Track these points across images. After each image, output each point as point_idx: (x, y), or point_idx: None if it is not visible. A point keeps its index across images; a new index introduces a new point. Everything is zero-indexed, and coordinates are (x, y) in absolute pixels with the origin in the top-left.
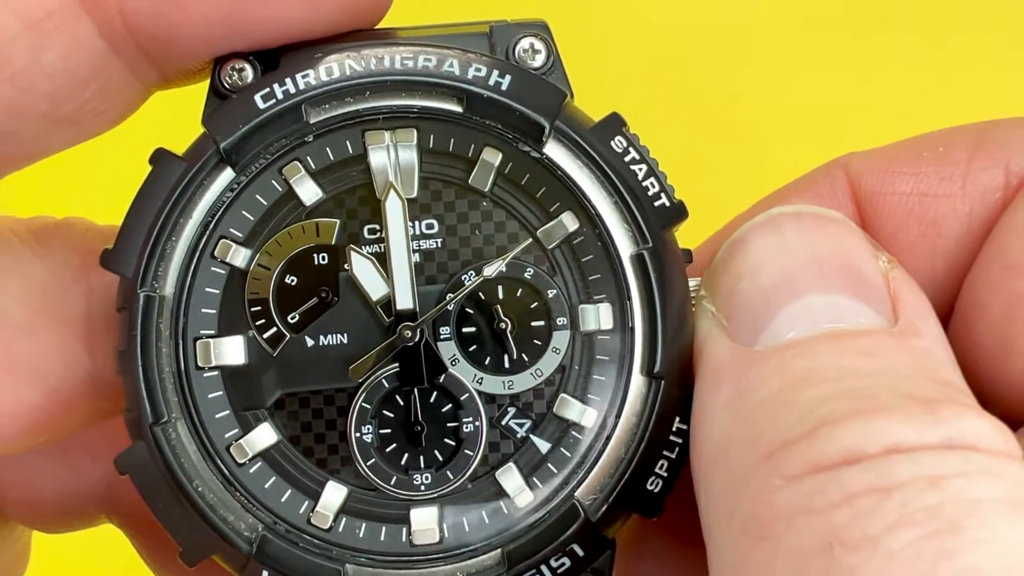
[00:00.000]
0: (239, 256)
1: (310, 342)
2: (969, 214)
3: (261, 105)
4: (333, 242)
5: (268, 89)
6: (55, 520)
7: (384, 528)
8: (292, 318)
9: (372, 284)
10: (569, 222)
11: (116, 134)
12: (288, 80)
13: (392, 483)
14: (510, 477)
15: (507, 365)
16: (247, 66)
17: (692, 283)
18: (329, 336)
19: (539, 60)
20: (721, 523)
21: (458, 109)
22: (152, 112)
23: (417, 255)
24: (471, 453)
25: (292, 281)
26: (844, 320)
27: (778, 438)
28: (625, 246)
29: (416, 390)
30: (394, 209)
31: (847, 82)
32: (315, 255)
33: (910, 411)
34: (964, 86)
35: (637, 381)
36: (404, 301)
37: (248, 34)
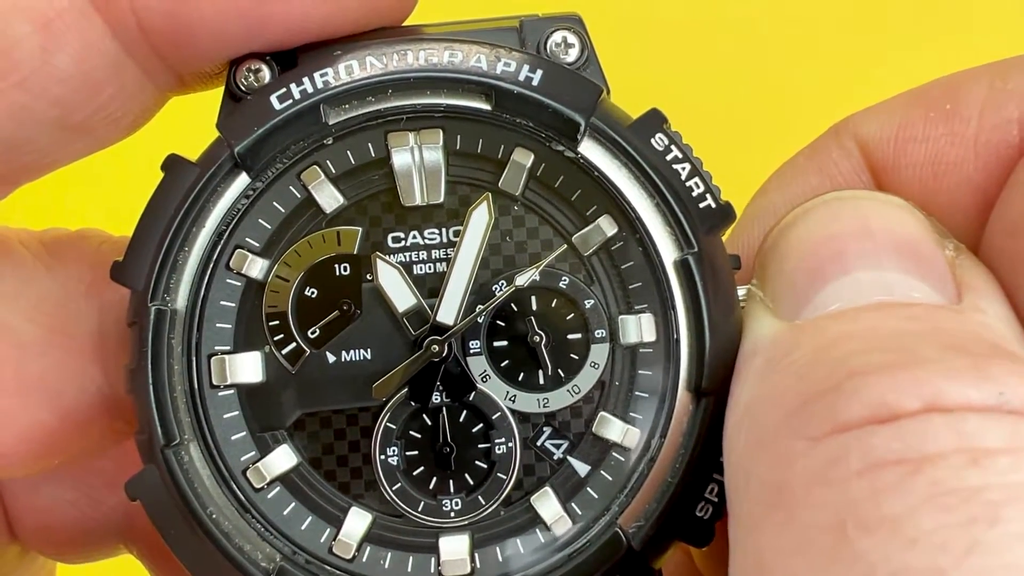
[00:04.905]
0: (256, 267)
1: (331, 358)
2: (985, 182)
3: (277, 106)
4: (355, 251)
5: (284, 89)
6: (73, 549)
7: (411, 558)
8: (312, 333)
9: (399, 295)
10: (607, 226)
11: (137, 140)
12: (306, 79)
13: (420, 509)
14: (546, 503)
15: (542, 381)
16: (264, 67)
17: (740, 291)
18: (351, 352)
19: (572, 54)
20: (739, 488)
21: (486, 107)
22: (176, 118)
23: (443, 264)
24: (504, 476)
25: (312, 293)
26: (895, 294)
27: (802, 395)
28: (668, 251)
29: (445, 409)
30: (479, 222)
31: (891, 76)
32: (336, 265)
33: (954, 363)
34: None
35: (683, 398)
36: (447, 315)
37: (266, 33)
